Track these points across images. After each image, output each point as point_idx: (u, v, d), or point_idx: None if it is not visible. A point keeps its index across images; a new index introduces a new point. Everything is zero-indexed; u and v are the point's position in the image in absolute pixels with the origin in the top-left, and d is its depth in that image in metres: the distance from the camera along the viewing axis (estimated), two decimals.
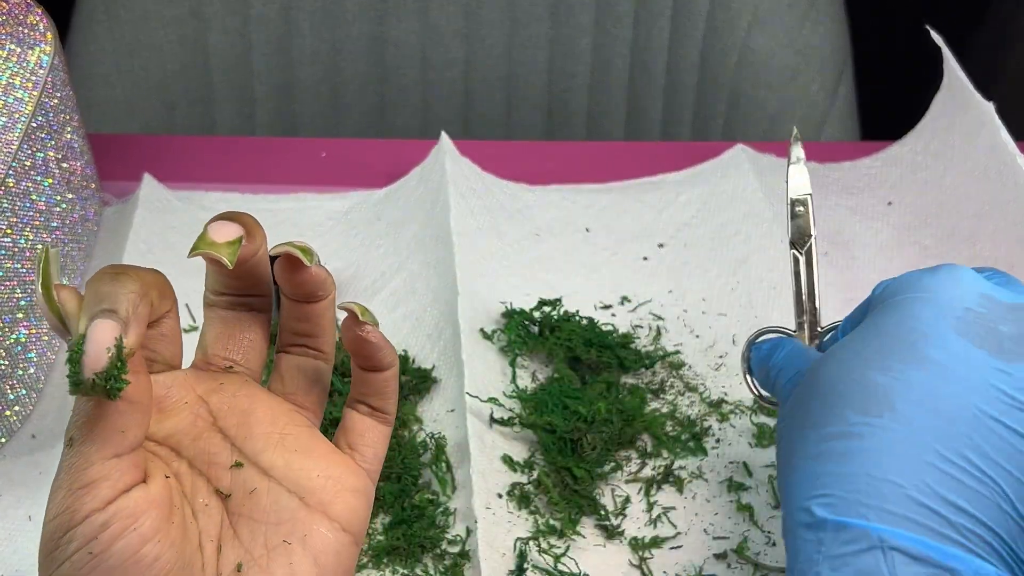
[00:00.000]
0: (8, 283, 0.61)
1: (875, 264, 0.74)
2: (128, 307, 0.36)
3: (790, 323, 0.60)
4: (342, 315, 0.43)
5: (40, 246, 0.36)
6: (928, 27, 0.72)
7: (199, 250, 0.39)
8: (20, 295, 0.62)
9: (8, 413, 0.62)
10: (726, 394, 0.66)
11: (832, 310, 0.70)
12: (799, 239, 0.57)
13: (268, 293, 0.44)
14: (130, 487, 0.37)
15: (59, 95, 0.68)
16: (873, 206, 0.78)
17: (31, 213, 0.63)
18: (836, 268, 0.73)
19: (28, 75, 0.65)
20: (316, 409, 0.45)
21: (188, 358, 0.43)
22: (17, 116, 0.63)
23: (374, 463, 0.44)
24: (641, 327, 0.70)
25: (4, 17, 0.67)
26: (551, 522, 0.58)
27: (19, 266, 0.62)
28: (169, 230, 0.76)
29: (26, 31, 0.66)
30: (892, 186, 0.78)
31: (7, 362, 0.61)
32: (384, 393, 0.44)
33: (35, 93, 0.64)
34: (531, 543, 0.57)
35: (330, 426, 0.58)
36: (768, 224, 0.76)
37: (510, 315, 0.68)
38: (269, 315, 0.44)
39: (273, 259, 0.42)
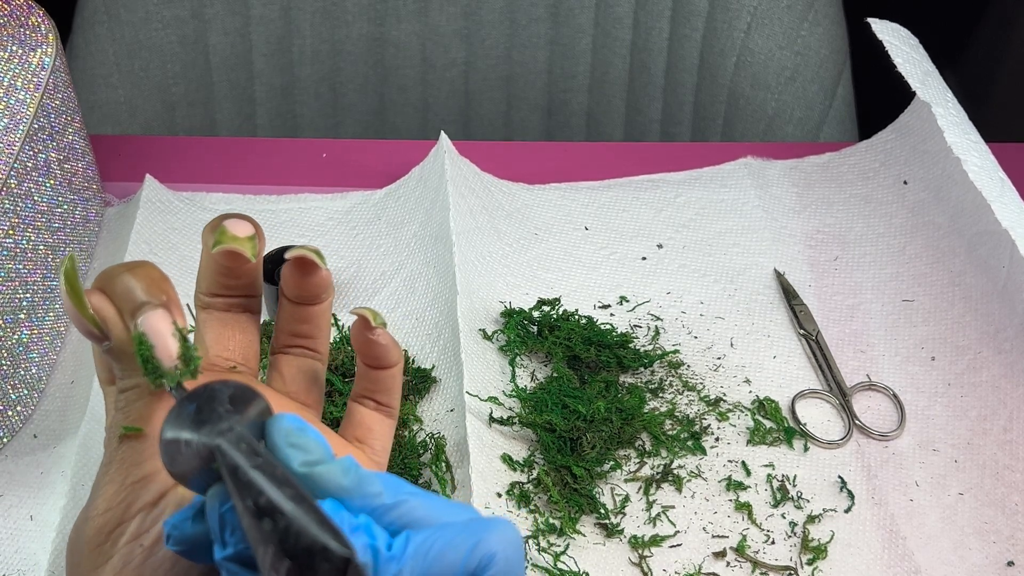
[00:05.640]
0: (10, 283, 0.61)
1: (884, 260, 0.74)
2: (159, 292, 0.37)
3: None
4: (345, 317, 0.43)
5: (63, 256, 0.36)
6: (869, 20, 0.72)
7: (224, 245, 0.40)
8: (22, 295, 0.62)
9: (10, 413, 0.62)
10: (724, 394, 0.66)
11: (837, 319, 0.71)
12: (806, 332, 0.69)
13: (260, 294, 0.44)
14: None
15: (60, 96, 0.68)
16: (888, 188, 0.78)
17: (33, 214, 0.64)
18: (845, 271, 0.74)
19: (30, 76, 0.65)
20: (317, 406, 0.45)
21: None
22: (19, 117, 0.63)
23: (383, 455, 0.46)
24: (640, 327, 0.70)
25: (6, 19, 0.67)
26: (551, 521, 0.58)
27: (21, 267, 0.62)
28: (171, 231, 0.76)
29: (28, 32, 0.67)
30: (907, 161, 0.78)
31: (9, 362, 0.62)
32: (390, 389, 0.45)
33: (37, 94, 0.64)
34: (531, 542, 0.57)
35: (329, 426, 0.58)
36: (768, 242, 0.76)
37: (509, 314, 0.69)
38: (260, 316, 0.45)
39: (276, 263, 0.43)
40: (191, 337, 0.38)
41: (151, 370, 0.35)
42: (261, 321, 0.45)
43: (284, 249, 0.69)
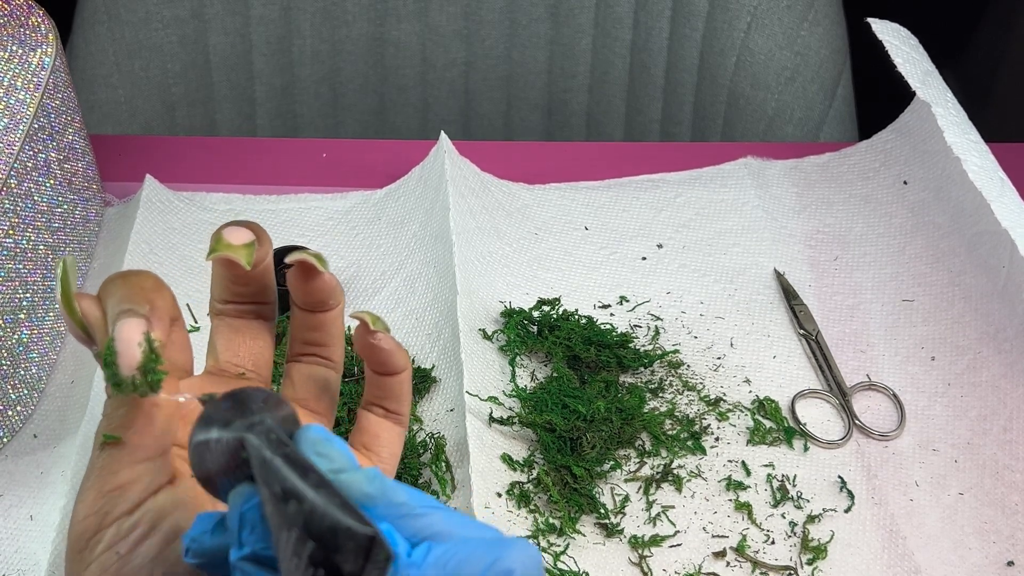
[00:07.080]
0: (10, 283, 0.61)
1: (884, 260, 0.74)
2: (143, 301, 0.36)
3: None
4: (352, 323, 0.43)
5: (60, 258, 0.36)
6: (868, 20, 0.72)
7: (217, 252, 0.40)
8: (22, 295, 0.62)
9: (10, 413, 0.62)
10: (724, 394, 0.66)
11: (837, 319, 0.71)
12: (806, 332, 0.69)
13: (273, 300, 0.44)
14: (158, 489, 0.37)
15: (60, 96, 0.68)
16: (888, 188, 0.78)
17: (33, 214, 0.64)
18: (845, 271, 0.74)
19: (30, 76, 0.65)
20: (328, 414, 0.45)
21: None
22: (19, 117, 0.63)
23: (390, 462, 0.45)
24: (640, 327, 0.70)
25: (6, 19, 0.67)
26: (551, 520, 0.58)
27: (21, 267, 0.62)
28: (171, 231, 0.76)
29: (28, 32, 0.67)
30: (906, 161, 0.78)
31: (9, 362, 0.62)
32: (399, 396, 0.45)
33: (37, 94, 0.64)
34: (531, 542, 0.57)
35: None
36: (768, 242, 0.76)
37: (509, 314, 0.69)
38: (274, 323, 0.45)
39: (283, 268, 0.43)
40: (187, 350, 0.38)
41: (109, 376, 0.35)
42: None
43: (282, 251, 0.69)
